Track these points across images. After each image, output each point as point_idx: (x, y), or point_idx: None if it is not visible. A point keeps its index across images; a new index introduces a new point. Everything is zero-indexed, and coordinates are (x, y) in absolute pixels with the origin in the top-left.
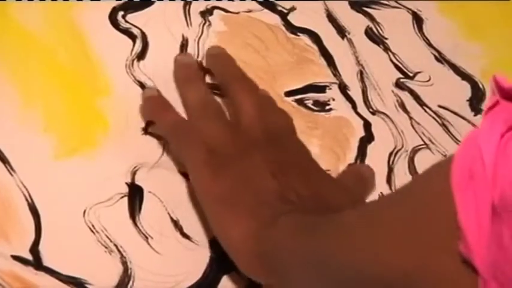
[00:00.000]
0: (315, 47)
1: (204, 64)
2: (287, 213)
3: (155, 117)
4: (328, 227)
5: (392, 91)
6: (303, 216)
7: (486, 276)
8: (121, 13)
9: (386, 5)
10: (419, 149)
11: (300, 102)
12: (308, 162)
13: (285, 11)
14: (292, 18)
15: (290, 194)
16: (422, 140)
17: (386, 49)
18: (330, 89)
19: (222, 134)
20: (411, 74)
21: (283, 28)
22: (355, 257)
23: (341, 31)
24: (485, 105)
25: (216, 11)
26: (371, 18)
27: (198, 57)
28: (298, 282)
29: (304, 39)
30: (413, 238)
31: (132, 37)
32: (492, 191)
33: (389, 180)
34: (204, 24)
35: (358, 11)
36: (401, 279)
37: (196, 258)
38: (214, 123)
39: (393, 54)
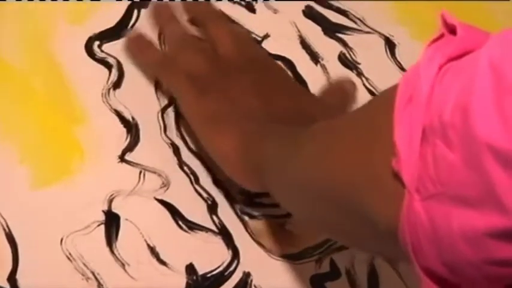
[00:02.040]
0: (289, 73)
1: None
2: (274, 125)
3: (139, 56)
4: (301, 135)
5: None
6: (283, 127)
7: (411, 189)
8: (97, 43)
9: (359, 30)
10: None
11: None
12: (289, 83)
13: (259, 39)
14: (266, 45)
15: (273, 110)
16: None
17: (360, 74)
18: None
19: (202, 61)
20: None
21: None
22: (310, 172)
23: (314, 57)
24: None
25: None
26: (344, 43)
27: None
28: (275, 188)
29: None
30: (358, 151)
31: (108, 66)
32: (424, 116)
33: None
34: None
35: (331, 37)
36: (343, 188)
37: (173, 284)
38: (194, 52)
39: (366, 79)
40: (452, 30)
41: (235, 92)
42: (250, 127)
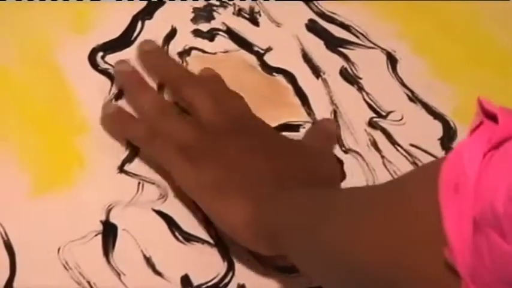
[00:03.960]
0: (290, 87)
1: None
2: (278, 190)
3: (121, 132)
4: (321, 205)
5: (365, 130)
6: (296, 192)
7: (467, 280)
8: (100, 54)
9: (361, 45)
10: None
11: None
12: (277, 137)
13: (262, 51)
14: (268, 58)
15: (277, 168)
16: (393, 178)
17: (360, 89)
18: (304, 128)
19: (190, 131)
20: (384, 113)
21: (259, 68)
22: (343, 243)
23: (316, 71)
24: (470, 125)
25: (193, 52)
26: (346, 58)
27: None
28: (295, 258)
29: (280, 79)
30: (401, 236)
31: (111, 77)
32: (473, 206)
33: None
34: (181, 63)
35: (333, 51)
36: (386, 272)
37: None
38: (178, 122)
39: (367, 93)
40: (491, 115)
41: (229, 157)
42: (255, 191)
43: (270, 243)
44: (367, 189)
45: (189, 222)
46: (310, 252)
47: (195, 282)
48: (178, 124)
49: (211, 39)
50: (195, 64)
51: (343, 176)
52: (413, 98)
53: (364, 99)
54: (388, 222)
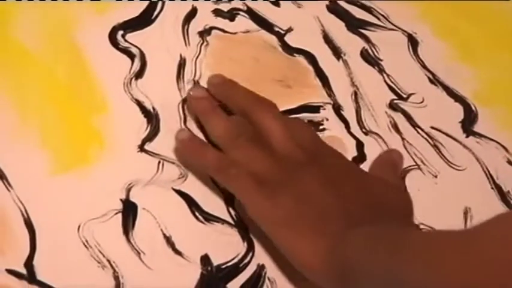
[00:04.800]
0: (311, 68)
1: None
2: (351, 225)
3: (194, 159)
4: (398, 245)
5: (386, 112)
6: (371, 230)
7: None
8: (121, 32)
9: (382, 26)
10: (410, 170)
11: None
12: (350, 167)
13: (282, 32)
14: (288, 38)
15: (348, 204)
16: (414, 161)
17: (381, 70)
18: (324, 109)
19: (264, 161)
20: (405, 96)
21: (280, 48)
22: (420, 285)
23: (337, 52)
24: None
25: (214, 31)
26: (367, 39)
27: (195, 76)
28: None
29: (300, 59)
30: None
31: (131, 56)
32: None
33: None
34: (202, 44)
35: (354, 33)
36: None
37: (188, 274)
38: (252, 151)
39: (388, 75)
40: None
41: (304, 189)
42: (329, 228)
43: (343, 282)
44: (444, 234)
45: (209, 202)
46: None
47: (215, 262)
48: (252, 152)
49: (232, 19)
50: (215, 44)
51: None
52: (434, 80)
53: (385, 81)
54: (464, 269)
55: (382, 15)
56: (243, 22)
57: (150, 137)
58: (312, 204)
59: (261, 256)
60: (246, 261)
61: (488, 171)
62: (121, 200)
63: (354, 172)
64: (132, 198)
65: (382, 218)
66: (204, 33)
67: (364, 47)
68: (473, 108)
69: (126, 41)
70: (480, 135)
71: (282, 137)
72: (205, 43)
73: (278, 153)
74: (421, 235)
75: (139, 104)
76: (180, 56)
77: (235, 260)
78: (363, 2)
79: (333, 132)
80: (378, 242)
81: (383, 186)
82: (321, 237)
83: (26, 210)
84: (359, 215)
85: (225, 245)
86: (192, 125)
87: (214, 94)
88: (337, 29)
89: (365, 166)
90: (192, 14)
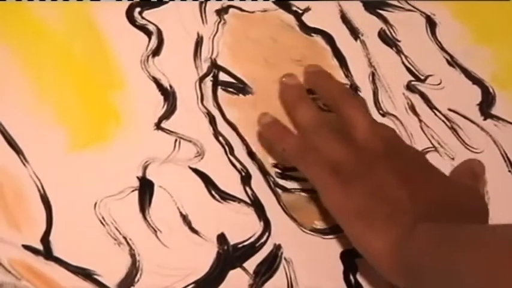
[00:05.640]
0: (328, 48)
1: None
2: (422, 221)
3: (276, 143)
4: (465, 241)
5: (403, 93)
6: (438, 226)
7: None
8: (138, 9)
9: (400, 7)
10: (428, 152)
11: None
12: (427, 167)
13: (300, 12)
14: (306, 18)
15: (420, 200)
16: (431, 143)
17: (399, 52)
18: None
19: (343, 151)
20: (422, 77)
21: (297, 28)
22: (478, 280)
23: (354, 32)
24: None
25: (231, 10)
26: (384, 20)
27: (212, 54)
28: None
29: (318, 39)
30: None
31: (148, 33)
32: None
33: None
34: (219, 22)
35: (372, 13)
36: None
37: (204, 253)
38: (333, 140)
39: (405, 56)
40: None
41: (378, 182)
42: (399, 223)
43: (408, 277)
44: (507, 228)
45: (225, 181)
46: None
47: (232, 241)
48: (333, 141)
49: None
50: (232, 22)
51: None
52: (452, 62)
53: (403, 62)
54: None
55: None
56: (260, 1)
57: (167, 115)
58: (384, 197)
59: (277, 236)
60: (262, 240)
61: (506, 154)
62: (137, 177)
63: (432, 172)
64: (149, 176)
65: (454, 218)
66: (222, 12)
67: (382, 28)
68: (491, 90)
69: (143, 18)
70: (498, 118)
71: (365, 130)
72: (222, 21)
73: (358, 145)
74: (484, 233)
75: (156, 81)
76: (198, 34)
77: (252, 240)
78: None
79: None
80: (442, 237)
81: (459, 187)
82: (390, 231)
83: (42, 186)
84: (430, 212)
85: (241, 224)
86: (210, 104)
87: (309, 82)
88: (355, 9)
89: None
90: None
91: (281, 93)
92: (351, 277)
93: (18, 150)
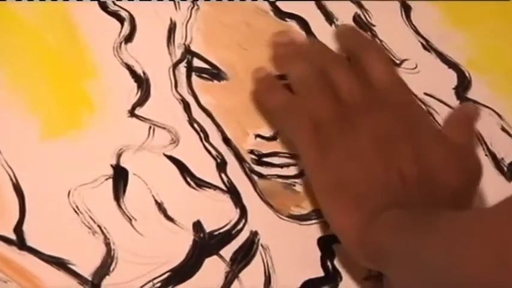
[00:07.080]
0: (303, 33)
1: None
2: (389, 208)
3: (265, 98)
4: (423, 228)
5: None
6: (405, 213)
7: None
8: None
9: None
10: None
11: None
12: (415, 121)
13: None
14: (280, 4)
15: (395, 178)
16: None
17: (374, 36)
18: None
19: (328, 105)
20: (398, 61)
21: (272, 13)
22: (456, 265)
23: (329, 17)
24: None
25: None
26: (359, 5)
27: (186, 40)
28: (396, 277)
29: (293, 24)
30: (495, 263)
31: (120, 20)
32: None
33: None
34: (193, 8)
35: None
36: None
37: (180, 241)
38: (321, 96)
39: (380, 41)
40: None
41: (354, 151)
42: (369, 203)
43: (374, 259)
44: (470, 216)
45: (200, 168)
46: (409, 271)
47: (208, 229)
48: (321, 97)
49: None
50: (205, 8)
51: None
52: (428, 46)
53: None
54: (483, 250)
55: None
56: None
57: (140, 102)
58: (359, 169)
59: (254, 223)
60: (238, 227)
61: (482, 138)
62: (112, 165)
63: (416, 129)
64: (123, 164)
65: (433, 196)
66: None
67: (356, 12)
68: (466, 74)
69: (115, 4)
70: (474, 102)
71: (353, 89)
72: (195, 7)
73: (344, 101)
74: (448, 217)
75: (129, 68)
76: (171, 20)
77: (228, 227)
78: None
79: None
80: (407, 223)
81: (444, 156)
82: (359, 212)
83: (14, 175)
84: (405, 192)
85: (217, 211)
86: (184, 91)
87: (338, 37)
88: None
89: None
90: None
91: (274, 51)
92: (329, 263)
93: None
